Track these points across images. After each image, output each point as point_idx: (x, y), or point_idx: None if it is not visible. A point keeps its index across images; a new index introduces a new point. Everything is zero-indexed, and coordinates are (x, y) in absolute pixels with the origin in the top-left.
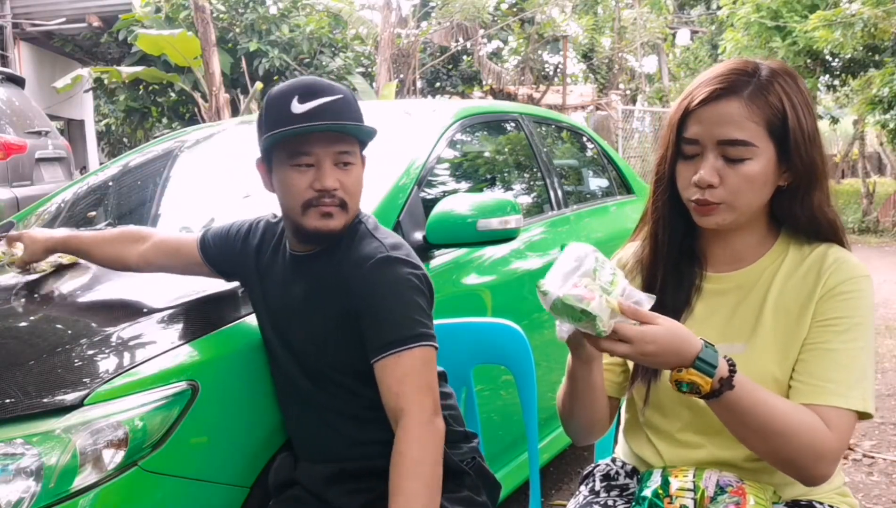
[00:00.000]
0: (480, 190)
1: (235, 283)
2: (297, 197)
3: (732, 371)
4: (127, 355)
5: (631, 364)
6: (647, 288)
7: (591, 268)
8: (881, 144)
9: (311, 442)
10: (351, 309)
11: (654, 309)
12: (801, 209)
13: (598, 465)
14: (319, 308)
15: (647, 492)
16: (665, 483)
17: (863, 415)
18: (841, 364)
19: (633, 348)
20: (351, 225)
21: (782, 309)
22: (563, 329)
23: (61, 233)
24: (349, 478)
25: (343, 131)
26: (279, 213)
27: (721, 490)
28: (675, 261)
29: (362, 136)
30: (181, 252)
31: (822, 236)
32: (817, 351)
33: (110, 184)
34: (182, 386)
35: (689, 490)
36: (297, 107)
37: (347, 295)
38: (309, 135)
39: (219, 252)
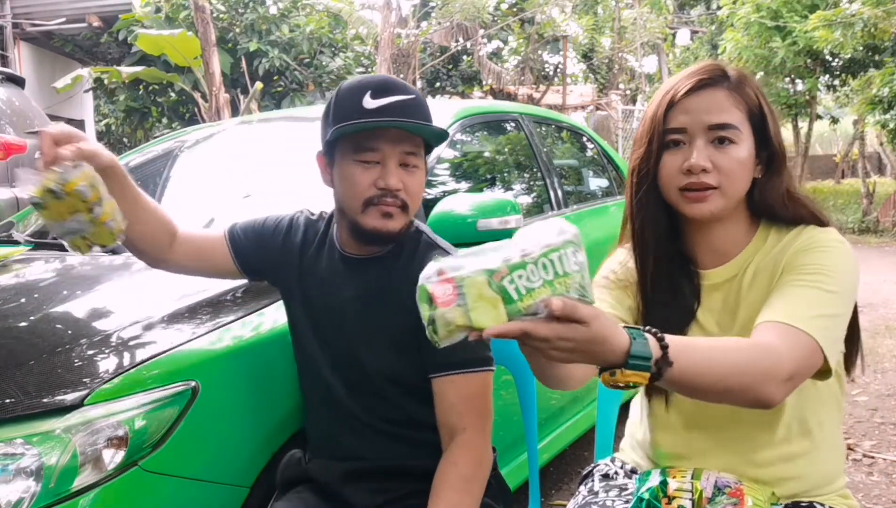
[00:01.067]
0: (480, 190)
1: (235, 284)
2: (359, 193)
3: (664, 347)
4: (127, 355)
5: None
6: (642, 292)
7: (517, 259)
8: (881, 144)
9: (333, 441)
10: (416, 320)
11: (663, 313)
12: (775, 194)
13: (598, 465)
14: (380, 314)
15: (646, 493)
16: (663, 484)
17: (824, 369)
18: (805, 297)
19: (588, 329)
20: (410, 231)
21: (757, 289)
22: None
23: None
24: (368, 477)
25: (415, 131)
26: (306, 211)
27: (719, 490)
28: (667, 262)
29: (432, 138)
30: (208, 248)
31: (801, 219)
32: (784, 287)
33: None
34: (182, 386)
35: (687, 490)
36: (370, 103)
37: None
38: (378, 131)
39: (253, 247)
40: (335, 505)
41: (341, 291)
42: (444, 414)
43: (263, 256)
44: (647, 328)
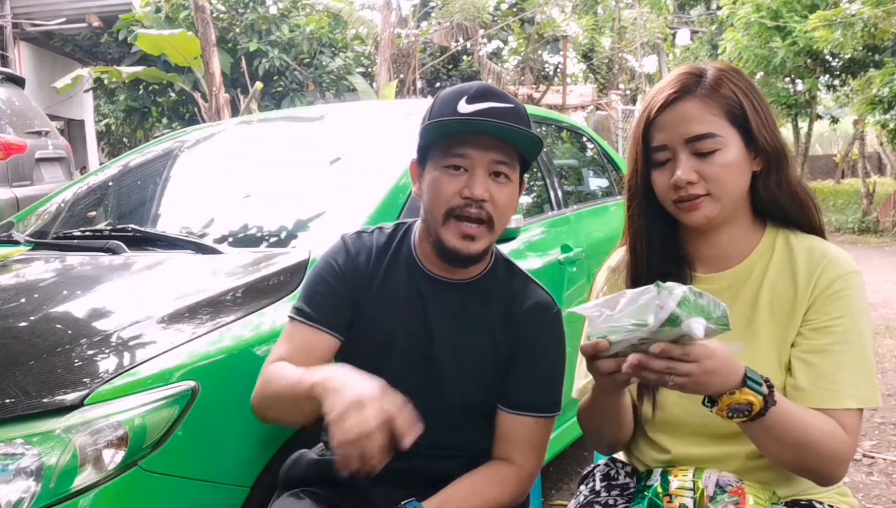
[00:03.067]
0: None
1: (235, 283)
2: (442, 202)
3: (770, 386)
4: (127, 355)
5: None
6: None
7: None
8: (881, 144)
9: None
10: (511, 352)
11: None
12: (779, 190)
13: (598, 465)
14: (472, 341)
15: (647, 491)
16: (665, 483)
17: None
18: (848, 364)
19: (699, 365)
20: (497, 257)
21: (777, 307)
22: (698, 327)
23: None
24: (399, 479)
25: (505, 134)
26: (350, 232)
27: (721, 489)
28: (662, 267)
29: (526, 148)
30: (317, 348)
31: (805, 220)
32: (824, 354)
33: (110, 184)
34: (182, 386)
35: (688, 489)
36: (464, 107)
37: (513, 337)
38: (468, 137)
39: (334, 307)
40: (348, 505)
41: (428, 314)
42: (506, 446)
43: (344, 305)
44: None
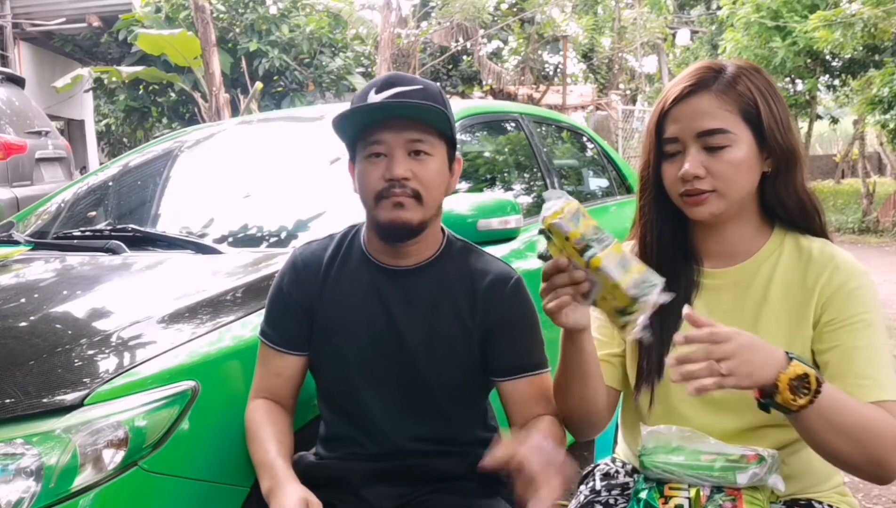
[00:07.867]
0: (480, 190)
1: (235, 283)
2: (370, 189)
3: (816, 366)
4: (127, 355)
5: (629, 359)
6: None
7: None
8: (881, 144)
9: (358, 449)
10: (484, 328)
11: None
12: (786, 193)
13: (598, 465)
14: (438, 323)
15: (643, 492)
16: (661, 483)
17: None
18: (876, 360)
19: (736, 342)
20: (449, 239)
21: (785, 306)
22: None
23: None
24: (391, 478)
25: (407, 112)
26: (298, 247)
27: (718, 489)
28: (670, 261)
29: (435, 121)
30: (286, 371)
31: (809, 225)
32: (853, 351)
33: (110, 184)
34: (182, 386)
35: (684, 489)
36: (374, 98)
37: (482, 313)
38: (381, 123)
39: (290, 325)
40: (346, 506)
41: (388, 305)
42: (522, 409)
43: (300, 321)
44: None
